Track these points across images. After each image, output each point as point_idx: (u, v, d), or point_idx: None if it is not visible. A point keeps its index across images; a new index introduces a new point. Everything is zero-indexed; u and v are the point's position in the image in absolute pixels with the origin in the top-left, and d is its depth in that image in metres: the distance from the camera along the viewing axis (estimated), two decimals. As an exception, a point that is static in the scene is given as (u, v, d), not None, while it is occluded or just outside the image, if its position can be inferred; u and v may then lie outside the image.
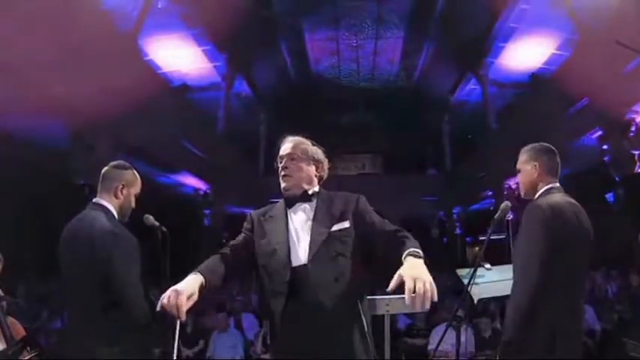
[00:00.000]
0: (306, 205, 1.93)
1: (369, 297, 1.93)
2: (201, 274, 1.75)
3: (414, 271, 1.50)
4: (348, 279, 1.78)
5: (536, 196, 2.19)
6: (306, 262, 1.78)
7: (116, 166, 2.18)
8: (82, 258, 1.92)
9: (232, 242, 1.98)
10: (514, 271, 2.10)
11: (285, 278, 1.77)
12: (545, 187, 2.17)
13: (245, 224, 2.02)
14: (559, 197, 2.11)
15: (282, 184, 1.96)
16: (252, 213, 2.04)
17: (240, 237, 1.99)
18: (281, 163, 1.98)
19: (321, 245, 1.80)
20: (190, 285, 1.68)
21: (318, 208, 1.91)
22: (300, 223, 1.89)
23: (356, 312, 1.78)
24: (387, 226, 1.87)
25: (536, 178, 2.21)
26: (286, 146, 2.01)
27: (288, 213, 1.92)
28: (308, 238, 1.82)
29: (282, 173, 1.96)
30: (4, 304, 2.70)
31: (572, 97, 8.43)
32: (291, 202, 1.94)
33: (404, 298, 1.98)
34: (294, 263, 1.79)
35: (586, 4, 8.40)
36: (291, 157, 1.98)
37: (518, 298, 2.03)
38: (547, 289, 1.96)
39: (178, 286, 1.65)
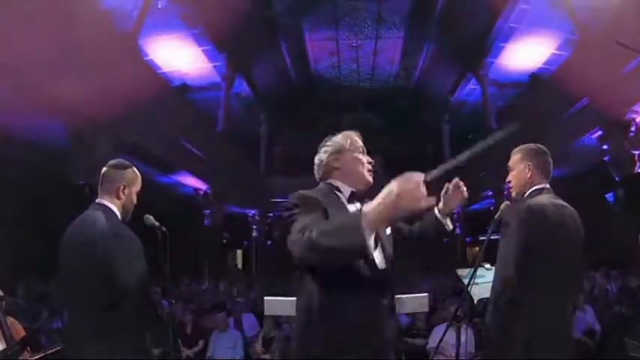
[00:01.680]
0: (361, 206, 1.88)
1: None
2: None
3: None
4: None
5: (525, 196, 2.19)
6: (385, 266, 1.77)
7: (116, 166, 2.17)
8: (84, 258, 1.92)
9: (316, 219, 1.61)
10: (495, 272, 2.12)
11: (372, 280, 1.69)
12: (534, 188, 2.18)
13: (304, 203, 1.71)
14: (545, 198, 2.11)
15: (370, 179, 1.90)
16: (307, 193, 1.77)
17: (317, 215, 1.66)
18: (365, 154, 1.95)
19: (388, 249, 1.83)
20: None
21: None
22: None
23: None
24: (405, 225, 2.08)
25: (528, 178, 2.22)
26: (360, 141, 1.98)
27: (350, 209, 1.83)
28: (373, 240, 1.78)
29: (371, 169, 1.93)
30: (4, 304, 2.70)
31: (572, 97, 8.43)
32: (353, 199, 1.86)
33: (403, 298, 1.99)
34: (379, 265, 1.74)
35: (586, 4, 8.41)
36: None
37: (498, 297, 2.04)
38: (525, 289, 1.96)
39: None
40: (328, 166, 1.92)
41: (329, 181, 1.91)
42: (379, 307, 1.71)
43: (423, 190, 1.36)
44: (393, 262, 1.84)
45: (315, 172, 1.97)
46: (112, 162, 2.20)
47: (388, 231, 1.90)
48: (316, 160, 1.96)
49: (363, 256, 1.49)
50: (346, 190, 1.86)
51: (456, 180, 2.09)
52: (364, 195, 1.90)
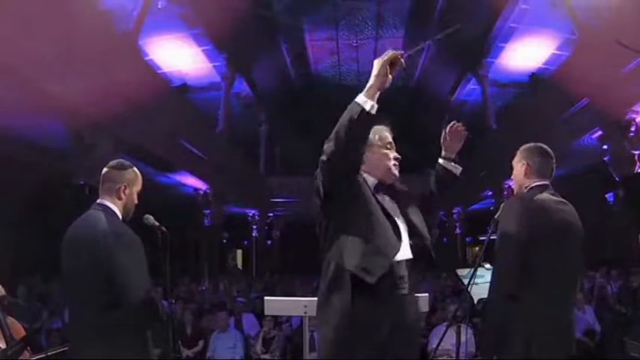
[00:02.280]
0: (388, 199, 1.95)
1: None
2: None
3: None
4: None
5: (524, 193, 2.19)
6: (411, 256, 1.85)
7: (116, 167, 2.16)
8: (86, 258, 1.92)
9: None
10: (493, 269, 2.12)
11: (400, 269, 1.79)
12: (533, 185, 2.17)
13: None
14: (544, 195, 2.11)
15: (396, 173, 2.00)
16: None
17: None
18: (392, 149, 2.03)
19: (422, 232, 1.93)
20: None
21: (399, 202, 1.98)
22: (396, 213, 1.91)
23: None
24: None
25: (524, 176, 2.22)
26: (390, 136, 2.05)
27: (378, 199, 1.91)
28: (406, 231, 1.88)
29: (397, 163, 2.02)
30: (5, 304, 2.70)
31: (572, 97, 8.43)
32: (378, 189, 1.94)
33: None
34: (402, 256, 1.81)
35: (586, 4, 8.41)
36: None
37: (495, 295, 2.04)
38: (523, 286, 1.96)
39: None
40: None
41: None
42: (395, 297, 1.77)
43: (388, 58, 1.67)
44: (428, 244, 1.92)
45: None
46: (112, 163, 2.19)
47: (419, 217, 1.98)
48: None
49: (368, 118, 1.70)
50: (372, 181, 1.95)
51: (452, 123, 2.23)
52: (389, 189, 1.98)
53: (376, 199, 1.88)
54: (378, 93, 1.74)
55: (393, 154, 2.02)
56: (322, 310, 1.77)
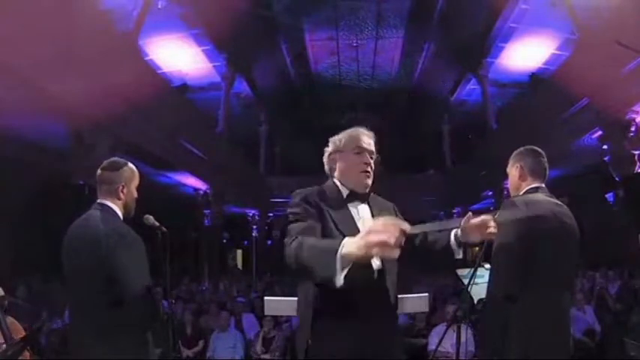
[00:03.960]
0: (364, 205, 1.88)
1: None
2: None
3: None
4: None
5: (519, 195, 2.20)
6: (381, 266, 1.75)
7: (111, 168, 2.14)
8: (87, 258, 1.92)
9: (302, 231, 1.66)
10: (490, 270, 2.12)
11: (367, 279, 1.70)
12: (527, 188, 2.18)
13: (302, 205, 1.77)
14: (539, 196, 2.12)
15: (364, 181, 1.86)
16: (308, 193, 1.82)
17: (310, 223, 1.71)
18: (362, 154, 1.88)
19: None
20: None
21: (375, 211, 1.87)
22: (366, 223, 1.80)
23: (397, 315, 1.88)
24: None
25: (518, 179, 2.23)
26: (369, 142, 1.93)
27: (349, 208, 1.83)
28: None
29: (367, 169, 1.87)
30: (5, 304, 2.70)
31: (572, 97, 8.42)
32: (352, 199, 1.86)
33: (404, 298, 1.98)
34: (374, 266, 1.73)
35: (586, 4, 8.40)
36: (372, 155, 1.92)
37: (493, 296, 2.04)
38: (520, 287, 1.96)
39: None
40: (329, 164, 1.96)
41: (333, 178, 1.95)
42: (370, 308, 1.70)
43: (397, 237, 1.31)
44: (394, 263, 1.81)
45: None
46: (105, 164, 2.16)
47: None
48: (323, 158, 2.00)
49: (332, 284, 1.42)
50: (344, 191, 1.88)
51: (485, 217, 1.81)
52: (367, 195, 1.90)
53: (348, 209, 1.81)
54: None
55: (362, 159, 1.88)
56: (298, 332, 1.78)
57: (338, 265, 1.37)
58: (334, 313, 1.63)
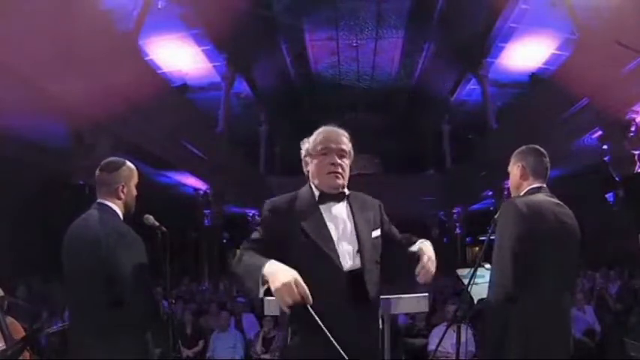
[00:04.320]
0: (340, 205, 1.83)
1: None
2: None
3: (431, 254, 1.80)
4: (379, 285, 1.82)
5: (520, 195, 2.19)
6: (360, 266, 1.74)
7: (109, 169, 2.13)
8: (87, 258, 1.92)
9: (257, 239, 1.76)
10: (491, 271, 2.11)
11: (338, 283, 1.68)
12: (528, 188, 2.18)
13: (265, 216, 1.81)
14: (540, 197, 2.11)
15: (333, 182, 1.81)
16: (274, 203, 1.83)
17: (264, 234, 1.78)
18: (329, 155, 1.82)
19: (369, 250, 1.78)
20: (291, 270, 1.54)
21: (356, 211, 1.84)
22: (340, 223, 1.79)
23: (377, 316, 1.84)
24: (398, 234, 2.00)
25: (520, 178, 2.22)
26: (341, 139, 1.86)
27: (322, 210, 1.79)
28: (355, 241, 1.77)
29: (334, 170, 1.80)
30: (5, 304, 2.70)
31: (572, 97, 8.42)
32: (324, 200, 1.82)
33: (404, 298, 1.98)
34: (345, 267, 1.72)
35: (586, 4, 8.40)
36: (343, 153, 1.85)
37: (493, 296, 2.04)
38: (521, 287, 1.96)
39: (294, 275, 1.49)
40: (304, 167, 1.94)
41: (309, 180, 1.92)
42: (342, 308, 1.67)
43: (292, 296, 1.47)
44: (375, 266, 1.80)
45: None
46: (103, 165, 2.15)
47: (375, 233, 1.85)
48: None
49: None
50: (316, 192, 1.85)
51: (423, 262, 1.79)
52: (341, 195, 1.86)
53: (320, 211, 1.79)
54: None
55: (329, 159, 1.81)
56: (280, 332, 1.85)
57: (260, 285, 1.51)
58: (308, 314, 1.62)
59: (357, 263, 1.74)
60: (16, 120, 6.70)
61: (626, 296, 6.70)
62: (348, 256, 1.74)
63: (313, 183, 1.87)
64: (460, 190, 15.13)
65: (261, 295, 1.52)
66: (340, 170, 1.82)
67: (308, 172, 1.91)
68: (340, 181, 1.82)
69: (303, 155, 1.92)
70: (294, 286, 1.45)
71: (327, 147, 1.83)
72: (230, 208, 14.20)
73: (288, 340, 1.76)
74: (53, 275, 7.59)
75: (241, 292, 1.56)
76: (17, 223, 8.73)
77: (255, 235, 1.80)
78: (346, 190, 1.87)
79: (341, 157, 1.84)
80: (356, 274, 1.73)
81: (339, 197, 1.84)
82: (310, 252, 1.72)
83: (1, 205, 8.10)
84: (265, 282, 1.51)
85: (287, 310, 1.49)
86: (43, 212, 8.58)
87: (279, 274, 1.48)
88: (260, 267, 1.53)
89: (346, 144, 1.87)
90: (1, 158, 7.35)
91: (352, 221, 1.81)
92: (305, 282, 1.56)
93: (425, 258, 1.77)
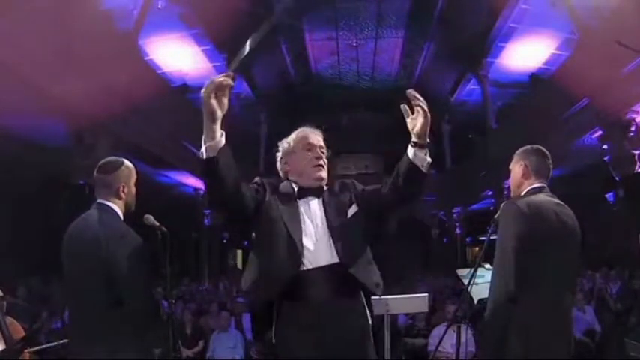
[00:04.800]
0: (317, 200, 1.89)
1: None
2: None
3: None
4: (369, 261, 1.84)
5: (521, 195, 2.19)
6: (338, 260, 1.74)
7: (107, 170, 2.11)
8: (88, 258, 1.92)
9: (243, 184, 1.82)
10: (492, 271, 2.11)
11: (297, 277, 1.71)
12: (530, 188, 2.18)
13: (257, 182, 1.93)
14: (541, 197, 2.11)
15: (318, 174, 1.90)
16: (264, 181, 1.94)
17: (251, 188, 1.86)
18: (313, 150, 1.94)
19: (348, 237, 1.80)
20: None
21: (327, 204, 1.89)
22: (317, 219, 1.84)
23: (363, 306, 1.81)
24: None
25: (522, 177, 2.22)
26: (318, 138, 1.98)
27: (299, 205, 1.86)
28: (326, 236, 1.79)
29: (319, 163, 1.92)
30: (5, 305, 2.70)
31: (572, 97, 8.42)
32: (303, 194, 1.89)
33: (404, 298, 1.98)
34: (308, 266, 1.73)
35: (586, 3, 8.40)
36: (323, 150, 1.97)
37: (495, 297, 2.04)
38: (522, 288, 1.96)
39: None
40: (282, 170, 2.01)
41: (289, 179, 1.99)
42: (323, 304, 1.69)
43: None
44: (359, 251, 1.81)
45: None
46: (101, 165, 2.13)
47: (352, 210, 1.87)
48: (277, 166, 2.06)
49: (206, 164, 1.77)
50: (296, 188, 1.92)
51: (409, 92, 1.88)
52: (320, 190, 1.92)
53: (297, 206, 1.85)
54: (217, 125, 1.75)
55: (312, 154, 1.93)
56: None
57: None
58: (291, 312, 1.65)
59: (335, 257, 1.75)
60: (16, 120, 6.70)
61: (626, 296, 6.69)
62: (323, 252, 1.76)
63: (294, 179, 1.95)
64: (460, 190, 15.13)
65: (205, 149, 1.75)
66: (322, 164, 1.93)
67: (286, 172, 1.99)
68: (324, 174, 1.92)
69: (281, 155, 2.01)
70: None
71: (311, 143, 1.94)
72: (230, 208, 14.19)
73: (273, 338, 1.74)
74: (53, 275, 7.60)
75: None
76: (17, 223, 8.73)
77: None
78: (324, 186, 1.94)
79: (322, 153, 1.96)
80: (335, 269, 1.74)
81: (317, 192, 1.90)
82: (278, 238, 1.76)
83: (1, 205, 8.10)
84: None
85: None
86: (43, 212, 8.58)
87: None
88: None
89: (322, 140, 2.00)
90: (1, 158, 7.35)
91: (325, 216, 1.85)
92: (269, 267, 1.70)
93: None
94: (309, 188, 1.90)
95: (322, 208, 1.87)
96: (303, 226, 1.79)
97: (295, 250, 1.72)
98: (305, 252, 1.73)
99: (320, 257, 1.74)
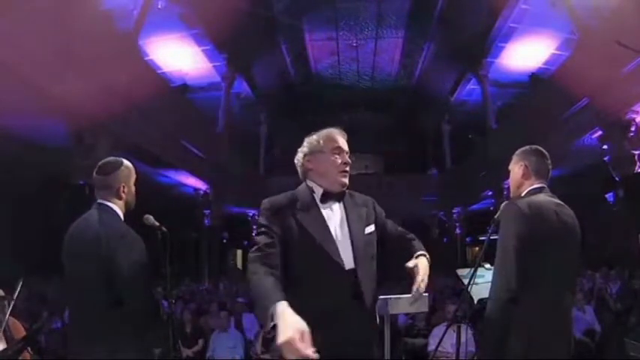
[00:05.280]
0: (338, 204, 1.88)
1: None
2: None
3: (425, 272, 1.80)
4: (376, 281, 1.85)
5: (522, 196, 2.20)
6: (353, 266, 1.77)
7: (107, 171, 2.10)
8: (88, 258, 1.92)
9: (266, 244, 1.71)
10: (493, 271, 2.11)
11: (338, 280, 1.72)
12: (530, 188, 2.18)
13: (267, 216, 1.79)
14: (541, 197, 2.12)
15: (344, 180, 1.88)
16: (274, 203, 1.84)
17: (268, 239, 1.74)
18: (341, 155, 1.90)
19: (363, 248, 1.82)
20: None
21: (349, 209, 1.89)
22: (337, 223, 1.84)
23: (374, 313, 1.85)
24: (396, 228, 2.02)
25: (522, 177, 2.22)
26: (345, 142, 1.94)
27: (322, 209, 1.84)
28: (348, 240, 1.81)
29: (346, 169, 1.90)
30: (6, 305, 2.70)
31: (572, 97, 8.43)
32: (326, 199, 1.87)
33: (404, 298, 1.98)
34: (346, 266, 1.76)
35: (586, 3, 8.41)
36: (349, 155, 1.94)
37: (495, 296, 2.04)
38: (523, 288, 1.96)
39: (299, 329, 1.40)
40: (304, 167, 1.95)
41: (307, 181, 1.94)
42: (342, 307, 1.70)
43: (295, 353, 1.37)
44: (370, 262, 1.84)
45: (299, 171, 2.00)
46: (100, 166, 2.12)
47: (369, 229, 1.89)
48: (295, 160, 1.99)
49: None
50: (318, 191, 1.88)
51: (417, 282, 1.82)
52: (342, 194, 1.90)
53: (319, 210, 1.83)
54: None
55: (341, 159, 1.89)
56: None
57: (269, 322, 1.46)
58: (306, 315, 1.60)
59: (351, 262, 1.78)
60: (16, 120, 6.70)
61: (626, 296, 6.69)
62: (347, 254, 1.79)
63: (315, 181, 1.90)
64: (460, 190, 15.13)
65: (268, 328, 1.47)
66: (348, 170, 1.91)
67: (308, 170, 1.93)
68: (347, 180, 1.90)
69: (307, 152, 1.94)
70: (298, 344, 1.37)
71: (340, 147, 1.90)
72: (230, 208, 14.20)
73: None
74: (53, 275, 7.59)
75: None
76: (17, 223, 8.73)
77: (260, 238, 1.75)
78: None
79: (349, 159, 1.93)
80: (351, 273, 1.76)
81: (339, 196, 1.89)
82: (312, 251, 1.74)
83: (1, 205, 8.10)
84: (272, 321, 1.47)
85: None
86: (43, 212, 8.59)
87: (285, 326, 1.40)
88: (270, 305, 1.47)
89: (346, 144, 1.96)
90: (1, 158, 7.35)
91: (346, 220, 1.85)
92: (307, 281, 1.63)
93: (418, 279, 1.79)
94: (332, 192, 1.88)
95: (344, 214, 1.87)
96: (328, 231, 1.80)
97: (326, 253, 1.74)
98: (334, 255, 1.76)
99: (345, 260, 1.77)
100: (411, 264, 1.84)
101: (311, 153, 1.93)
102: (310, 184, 1.91)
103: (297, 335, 1.37)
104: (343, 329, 1.67)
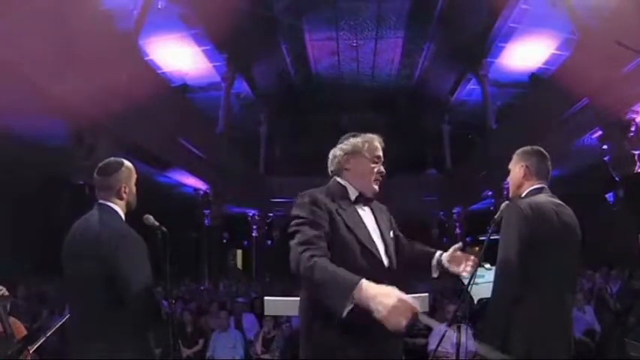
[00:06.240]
0: (367, 208, 1.96)
1: None
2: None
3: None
4: None
5: (522, 196, 2.20)
6: (389, 264, 1.86)
7: (108, 172, 2.10)
8: (88, 258, 1.92)
9: (314, 238, 1.69)
10: (495, 272, 2.12)
11: (380, 278, 1.67)
12: (531, 188, 2.18)
13: (312, 209, 1.77)
14: (542, 197, 2.12)
15: (376, 188, 1.95)
16: (316, 197, 1.82)
17: (316, 231, 1.72)
18: (379, 163, 1.97)
19: (393, 251, 1.93)
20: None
21: (377, 213, 1.97)
22: (370, 225, 1.90)
23: None
24: (403, 236, 2.15)
25: (522, 178, 2.22)
26: (380, 148, 2.00)
27: (358, 210, 1.91)
28: (381, 242, 1.89)
29: (380, 178, 1.97)
30: (7, 305, 2.70)
31: (572, 97, 8.43)
32: (359, 201, 1.93)
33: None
34: (386, 264, 1.85)
35: (586, 3, 8.41)
36: (384, 164, 2.00)
37: (497, 296, 2.04)
38: (525, 288, 1.96)
39: (396, 295, 1.41)
40: (340, 164, 1.97)
41: (338, 179, 1.96)
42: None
43: (406, 316, 1.39)
44: (396, 264, 1.92)
45: (329, 165, 2.01)
46: (101, 167, 2.11)
47: (392, 235, 2.00)
48: (331, 154, 2.00)
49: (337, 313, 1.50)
50: (353, 192, 1.93)
51: (470, 258, 2.06)
52: (372, 199, 1.98)
53: (355, 209, 1.90)
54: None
55: (378, 168, 1.96)
56: (302, 339, 1.82)
57: (348, 304, 1.45)
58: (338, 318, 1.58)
59: (387, 263, 1.86)
60: (16, 120, 6.70)
61: (626, 296, 6.69)
62: (382, 254, 1.87)
63: (349, 181, 1.94)
64: (460, 190, 15.14)
65: (344, 314, 1.46)
66: (381, 179, 1.98)
67: (344, 169, 1.95)
68: (378, 187, 1.97)
69: (347, 151, 1.95)
70: (402, 307, 1.38)
71: (379, 156, 1.98)
72: (230, 208, 14.21)
73: (305, 333, 1.78)
74: (53, 275, 7.60)
75: (319, 299, 1.55)
76: (17, 223, 8.73)
77: (308, 231, 1.71)
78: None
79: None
80: (390, 270, 1.86)
81: (368, 200, 1.97)
82: (354, 247, 1.79)
83: (1, 205, 8.10)
84: (353, 302, 1.46)
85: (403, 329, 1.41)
86: (43, 212, 8.59)
87: (380, 298, 1.40)
88: (351, 286, 1.46)
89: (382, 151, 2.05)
90: (1, 158, 7.35)
91: (376, 223, 1.93)
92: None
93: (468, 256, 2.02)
94: (365, 196, 1.94)
95: (374, 217, 1.95)
96: (366, 229, 1.87)
97: (368, 250, 1.81)
98: (375, 253, 1.83)
99: (386, 261, 1.87)
100: (455, 247, 2.05)
101: (352, 153, 1.95)
102: (343, 182, 1.95)
103: (398, 301, 1.39)
104: (382, 326, 1.68)
